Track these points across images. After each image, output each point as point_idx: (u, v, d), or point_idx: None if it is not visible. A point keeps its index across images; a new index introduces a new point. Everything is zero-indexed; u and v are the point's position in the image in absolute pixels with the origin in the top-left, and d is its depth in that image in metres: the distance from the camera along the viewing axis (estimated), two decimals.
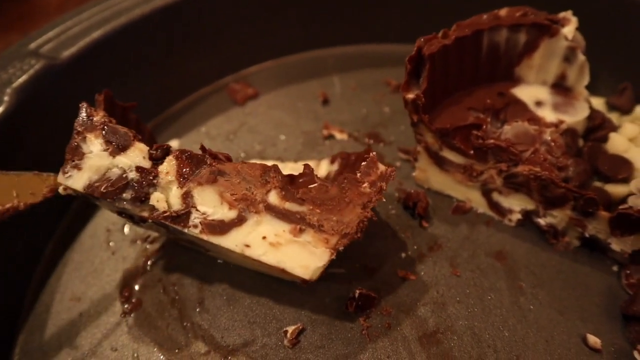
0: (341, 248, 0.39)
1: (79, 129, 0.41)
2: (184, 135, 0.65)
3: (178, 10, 0.63)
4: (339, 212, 0.39)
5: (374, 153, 0.42)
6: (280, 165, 0.44)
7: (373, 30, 0.73)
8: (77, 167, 0.40)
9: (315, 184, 0.40)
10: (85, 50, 0.57)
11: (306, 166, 0.41)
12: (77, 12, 0.60)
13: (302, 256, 0.39)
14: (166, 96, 0.68)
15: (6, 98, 0.50)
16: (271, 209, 0.40)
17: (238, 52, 0.71)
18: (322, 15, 0.72)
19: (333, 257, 0.39)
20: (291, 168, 0.43)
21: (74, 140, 0.41)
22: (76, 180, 0.40)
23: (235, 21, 0.68)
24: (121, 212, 0.44)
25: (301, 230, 0.39)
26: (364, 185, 0.40)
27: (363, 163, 0.41)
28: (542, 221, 0.51)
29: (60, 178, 0.41)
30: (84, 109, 0.41)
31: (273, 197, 0.40)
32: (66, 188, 0.41)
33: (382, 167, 0.41)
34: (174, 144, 0.64)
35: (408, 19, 0.72)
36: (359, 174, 0.41)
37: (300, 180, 0.40)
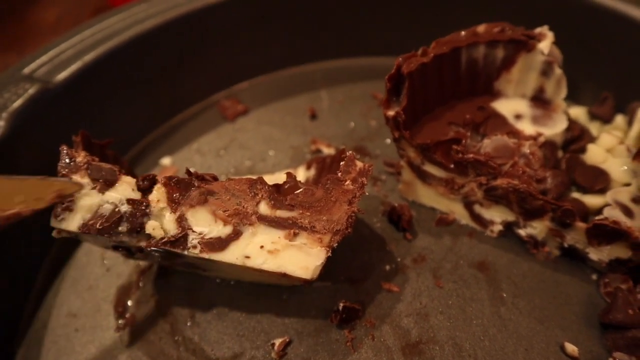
0: (335, 245, 0.41)
1: (64, 172, 0.41)
2: (176, 152, 0.67)
3: (169, 31, 0.65)
4: (327, 212, 0.41)
5: (351, 152, 0.44)
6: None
7: (359, 43, 0.74)
8: (69, 209, 0.41)
9: (301, 189, 0.42)
10: (78, 73, 0.58)
11: (289, 174, 0.43)
12: (69, 35, 0.62)
13: (301, 258, 0.40)
14: (158, 114, 0.69)
15: (1, 123, 0.51)
16: (264, 219, 0.41)
17: (228, 69, 0.72)
18: (309, 30, 0.73)
19: (329, 254, 0.41)
20: (269, 180, 0.45)
21: None
22: (70, 221, 0.41)
23: (224, 39, 0.70)
24: (117, 247, 0.45)
25: (295, 234, 0.41)
26: (346, 183, 0.42)
27: (342, 163, 0.43)
28: (522, 232, 0.52)
29: (53, 222, 0.41)
30: (64, 152, 0.42)
31: (263, 208, 0.41)
32: (60, 231, 0.41)
33: (360, 164, 0.43)
34: (166, 161, 0.65)
35: (393, 33, 0.74)
36: (339, 174, 0.42)
37: (286, 187, 0.42)
